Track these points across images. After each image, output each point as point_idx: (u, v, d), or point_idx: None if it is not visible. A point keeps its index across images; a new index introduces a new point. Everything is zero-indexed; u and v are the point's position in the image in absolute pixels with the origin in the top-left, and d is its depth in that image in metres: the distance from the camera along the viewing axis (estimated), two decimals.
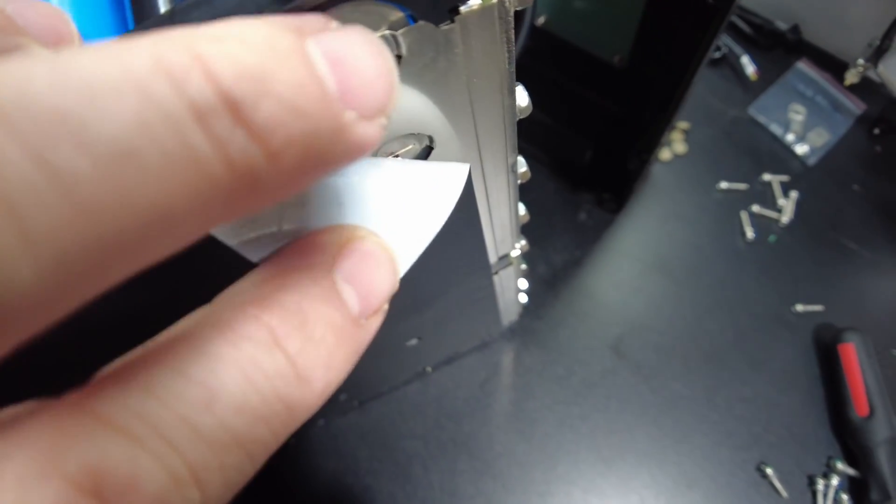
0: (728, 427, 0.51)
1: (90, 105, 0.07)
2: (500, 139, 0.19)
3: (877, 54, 0.57)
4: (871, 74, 0.61)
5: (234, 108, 0.08)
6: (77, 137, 0.07)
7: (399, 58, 0.14)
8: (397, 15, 0.13)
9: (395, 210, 0.15)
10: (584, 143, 0.52)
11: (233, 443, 0.10)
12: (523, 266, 0.38)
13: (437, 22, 0.13)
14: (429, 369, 0.51)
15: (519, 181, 0.24)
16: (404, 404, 0.51)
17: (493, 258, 0.30)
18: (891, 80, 0.58)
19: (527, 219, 0.29)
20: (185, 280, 0.13)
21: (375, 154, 0.16)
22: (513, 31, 0.15)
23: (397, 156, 0.16)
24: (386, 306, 0.14)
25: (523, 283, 0.42)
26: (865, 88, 0.64)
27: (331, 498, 0.48)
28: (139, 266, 0.08)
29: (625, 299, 0.55)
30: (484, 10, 0.14)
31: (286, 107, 0.09)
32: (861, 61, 0.59)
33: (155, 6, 0.17)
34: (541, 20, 0.46)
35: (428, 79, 0.15)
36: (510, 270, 0.34)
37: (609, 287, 0.55)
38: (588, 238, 0.57)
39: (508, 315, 0.47)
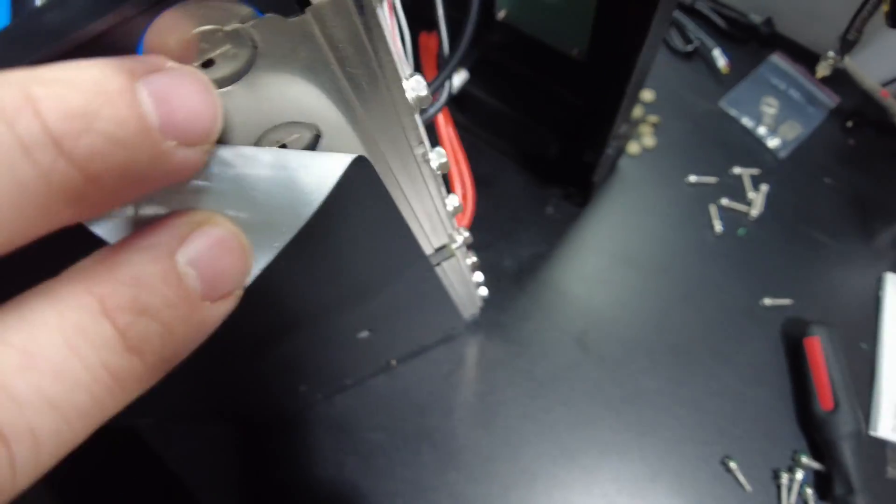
0: (693, 421, 0.51)
1: None
2: (397, 129, 0.19)
3: (845, 46, 0.57)
4: (847, 67, 0.61)
5: (56, 142, 0.10)
6: None
7: (255, 49, 0.14)
8: (245, 10, 0.13)
9: (261, 198, 0.15)
10: (549, 136, 0.53)
11: (46, 406, 0.11)
12: (472, 259, 0.38)
13: (286, 14, 0.14)
14: (393, 363, 0.51)
15: (439, 172, 0.25)
16: (370, 397, 0.51)
17: (428, 249, 0.30)
18: (857, 72, 0.58)
19: (461, 210, 0.29)
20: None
21: (259, 143, 0.16)
22: (382, 20, 0.15)
23: (284, 144, 0.17)
24: (239, 292, 0.14)
25: (479, 276, 0.43)
26: (839, 81, 0.63)
27: (295, 489, 0.48)
28: None
29: (591, 293, 0.55)
30: (336, 1, 0.14)
31: (106, 140, 0.11)
32: (831, 53, 0.59)
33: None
34: (501, 14, 0.46)
35: (293, 68, 0.15)
36: (454, 262, 0.34)
37: (575, 280, 0.56)
38: (555, 232, 0.57)
39: (469, 308, 0.47)
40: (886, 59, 0.62)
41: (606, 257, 0.57)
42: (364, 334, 0.37)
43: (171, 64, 0.12)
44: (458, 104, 0.57)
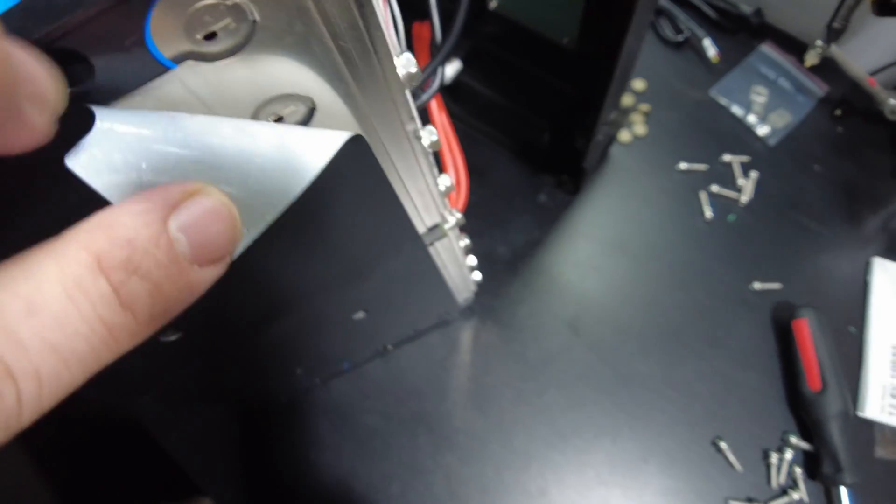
0: (684, 403, 0.52)
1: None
2: (389, 104, 0.20)
3: (832, 35, 0.58)
4: (834, 56, 0.61)
5: (119, 296, 0.13)
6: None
7: (254, 23, 0.15)
8: None
9: (255, 171, 0.16)
10: (541, 125, 0.53)
11: (48, 351, 0.12)
12: (465, 242, 0.39)
13: None
14: (389, 347, 0.52)
15: (430, 150, 0.25)
16: (366, 382, 0.52)
17: (421, 228, 0.31)
18: (844, 60, 0.59)
19: (453, 190, 0.30)
20: None
21: (256, 115, 0.17)
22: (378, 1, 0.16)
23: (281, 117, 0.17)
24: (229, 259, 0.15)
25: (472, 260, 0.44)
26: (828, 70, 0.64)
27: (292, 473, 0.49)
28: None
29: (583, 278, 0.56)
30: None
31: (147, 281, 0.13)
32: (819, 42, 0.60)
33: None
34: (493, 3, 0.47)
35: (289, 42, 0.16)
36: (446, 243, 0.35)
37: (567, 266, 0.56)
38: (547, 219, 0.58)
39: (463, 292, 0.48)
40: (873, 47, 0.62)
41: (598, 244, 0.58)
42: (360, 315, 0.38)
43: (193, 187, 0.14)
44: (452, 94, 0.58)
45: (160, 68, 0.15)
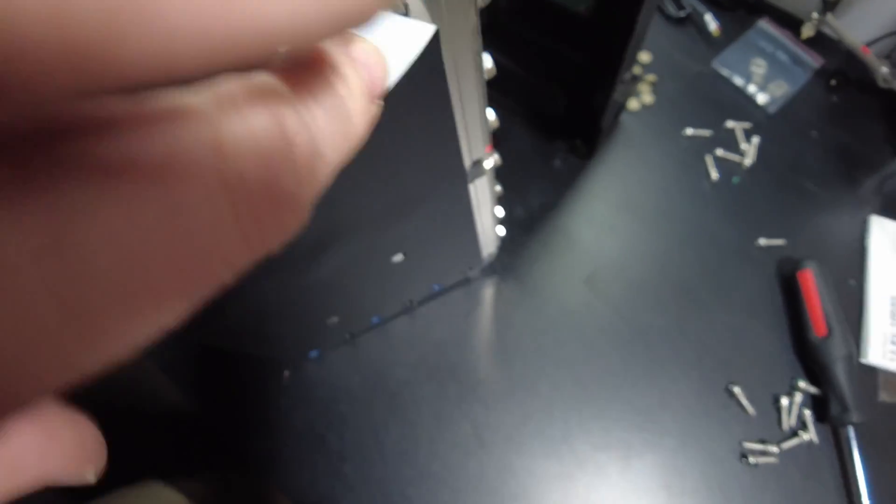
0: (698, 353, 0.54)
1: None
2: (460, 8, 0.22)
3: (828, 5, 0.61)
4: (828, 31, 0.64)
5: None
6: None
7: None
8: None
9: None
10: (557, 93, 0.56)
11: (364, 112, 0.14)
12: (499, 188, 0.41)
13: None
14: (416, 303, 0.54)
15: (486, 77, 0.28)
16: (393, 337, 0.54)
17: (467, 161, 0.33)
18: (840, 30, 0.62)
19: (496, 124, 0.32)
20: None
21: None
22: None
23: None
24: (378, 109, 0.16)
25: (500, 211, 0.46)
26: (823, 44, 0.68)
27: (326, 423, 0.51)
28: None
29: (597, 238, 0.58)
30: None
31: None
32: (815, 14, 0.63)
33: None
34: None
35: None
36: (484, 182, 0.37)
37: (582, 227, 0.59)
38: (562, 183, 0.61)
39: (488, 246, 0.50)
40: (866, 20, 0.66)
41: (611, 205, 0.60)
42: (398, 258, 0.40)
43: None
44: None
45: None
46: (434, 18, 0.21)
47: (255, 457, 0.51)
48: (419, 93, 0.24)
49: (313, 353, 0.52)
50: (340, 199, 0.28)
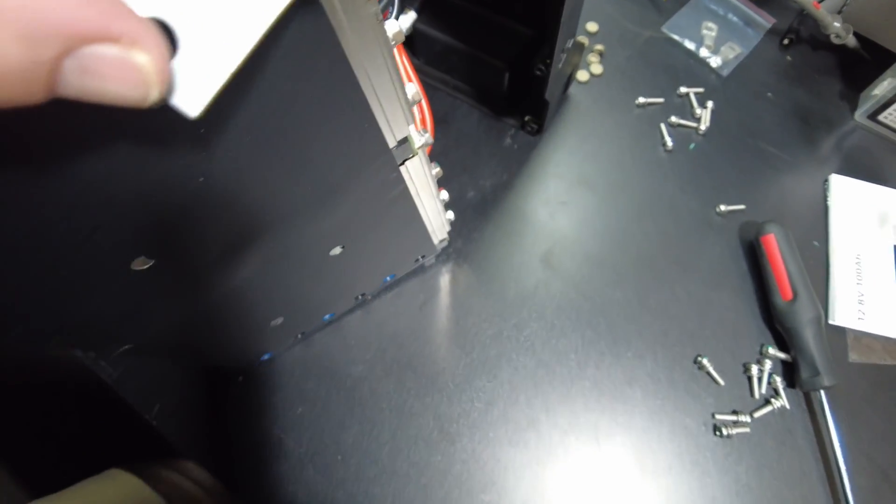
0: (662, 326, 0.53)
1: None
2: None
3: None
4: None
5: None
6: None
7: None
8: None
9: (205, 4, 0.16)
10: (501, 66, 0.54)
11: None
12: (436, 169, 0.39)
13: None
14: (369, 296, 0.52)
15: (394, 42, 0.26)
16: (347, 334, 0.52)
17: (390, 140, 0.31)
18: None
19: (419, 97, 0.30)
20: None
21: None
22: None
23: None
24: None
25: (444, 195, 0.44)
26: (774, 4, 0.66)
27: (284, 427, 0.49)
28: None
29: (553, 215, 0.57)
30: None
31: None
32: None
33: None
34: None
35: None
36: (417, 164, 0.35)
37: (537, 205, 0.57)
38: (514, 161, 0.59)
39: (438, 233, 0.48)
40: None
41: (565, 181, 0.58)
42: (336, 251, 0.38)
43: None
44: (410, 46, 0.58)
45: None
46: None
47: (215, 465, 0.49)
48: (315, 63, 0.22)
49: (265, 357, 0.50)
50: (246, 193, 0.26)
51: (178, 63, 0.16)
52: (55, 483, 0.48)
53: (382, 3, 0.37)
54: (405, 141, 0.32)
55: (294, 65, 0.20)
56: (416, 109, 0.41)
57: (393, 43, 0.25)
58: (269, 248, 0.33)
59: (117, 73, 0.13)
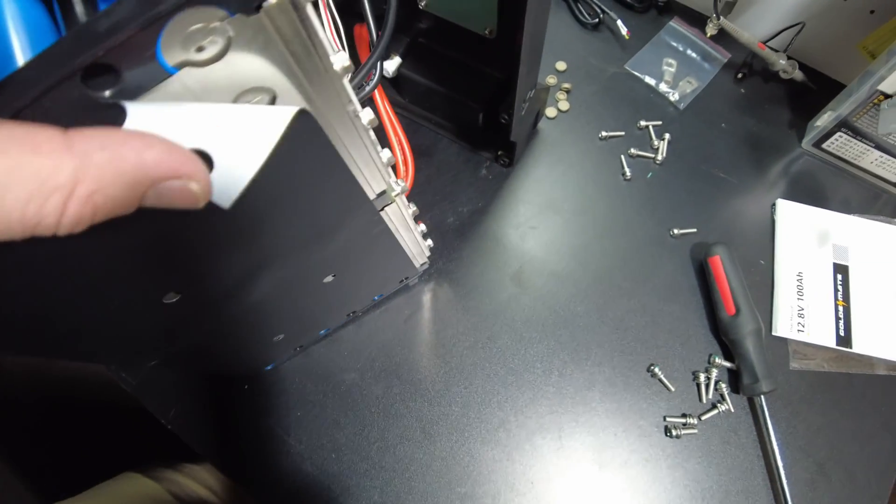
0: (619, 336, 0.60)
1: None
2: (331, 91, 0.27)
3: (725, 9, 0.66)
4: (724, 27, 0.70)
5: None
6: None
7: (230, 38, 0.22)
8: (222, 13, 0.21)
9: (230, 136, 0.23)
10: (475, 107, 0.60)
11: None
12: (413, 209, 0.46)
13: (248, 14, 0.21)
14: (360, 313, 0.59)
15: (369, 127, 0.32)
16: (342, 345, 0.59)
17: (371, 193, 0.38)
18: (735, 31, 0.67)
19: (393, 161, 0.37)
20: None
21: (236, 101, 0.24)
22: (311, 14, 0.23)
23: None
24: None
25: (422, 227, 0.51)
26: (730, 39, 0.73)
27: (286, 428, 0.56)
28: None
29: (523, 237, 0.64)
30: (279, 4, 0.21)
31: None
32: (714, 15, 0.68)
33: (76, 18, 0.25)
34: (423, 3, 0.54)
35: (255, 48, 0.23)
36: (395, 208, 0.42)
37: (509, 229, 0.64)
38: (489, 190, 0.66)
39: (419, 258, 0.55)
40: (766, 16, 0.71)
41: (534, 206, 0.65)
42: (329, 279, 0.45)
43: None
44: (396, 87, 0.64)
45: (167, 74, 0.22)
46: (305, 100, 0.26)
47: (224, 462, 0.55)
48: (310, 153, 0.29)
49: (269, 367, 0.57)
50: (256, 240, 0.33)
51: (215, 176, 0.23)
52: (68, 488, 0.55)
53: (366, 67, 0.44)
54: (384, 192, 0.39)
55: (294, 154, 0.27)
56: (399, 157, 0.49)
57: (368, 127, 0.32)
58: (273, 280, 0.40)
59: (180, 195, 0.20)
